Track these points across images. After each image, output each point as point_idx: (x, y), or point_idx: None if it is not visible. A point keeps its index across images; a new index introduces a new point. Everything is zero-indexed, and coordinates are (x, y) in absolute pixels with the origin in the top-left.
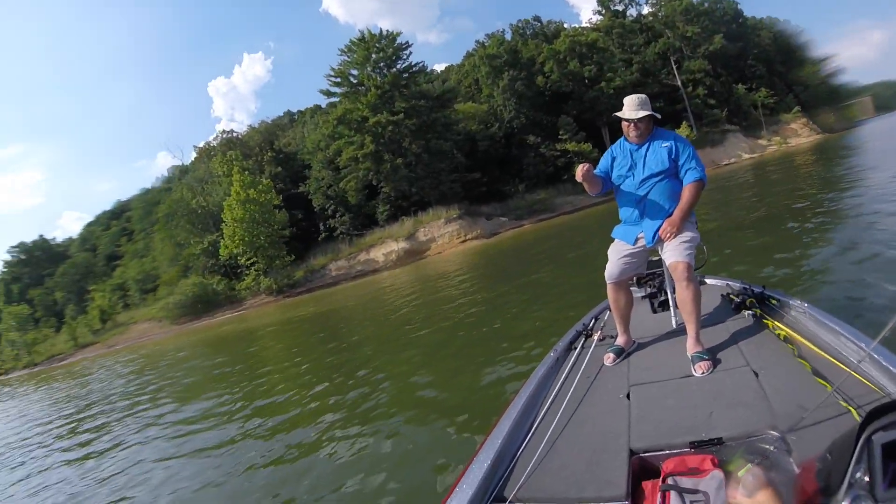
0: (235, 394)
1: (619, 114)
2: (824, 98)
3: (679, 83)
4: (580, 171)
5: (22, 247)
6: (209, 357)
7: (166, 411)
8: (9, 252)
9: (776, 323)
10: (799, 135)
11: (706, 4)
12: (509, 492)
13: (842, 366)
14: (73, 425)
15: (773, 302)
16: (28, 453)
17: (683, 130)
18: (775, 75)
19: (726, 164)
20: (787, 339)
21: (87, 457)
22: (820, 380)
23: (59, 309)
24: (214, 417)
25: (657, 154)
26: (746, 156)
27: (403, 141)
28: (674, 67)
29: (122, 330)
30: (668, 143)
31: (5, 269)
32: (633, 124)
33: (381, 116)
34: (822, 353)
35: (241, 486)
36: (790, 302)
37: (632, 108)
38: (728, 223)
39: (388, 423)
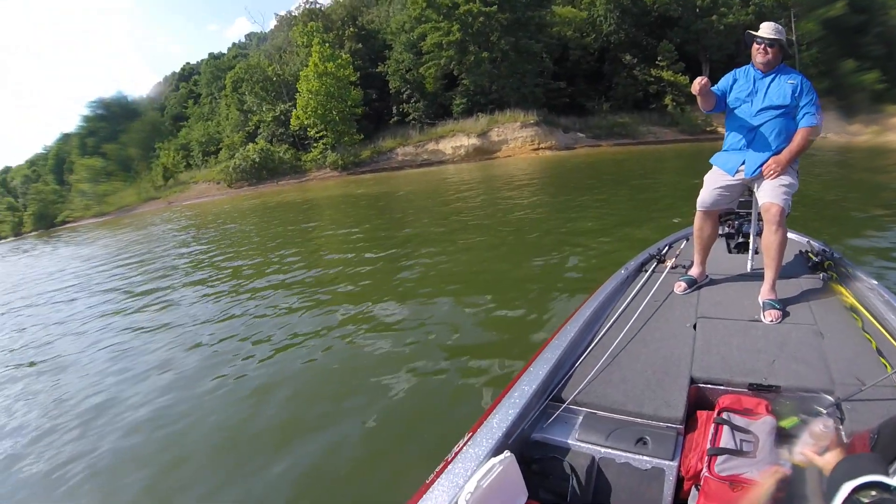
0: (293, 263)
1: (752, 32)
2: None
3: (794, 38)
4: (698, 83)
5: (100, 102)
6: (270, 221)
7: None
8: (87, 106)
9: (845, 291)
10: None
11: None
12: (568, 394)
13: None
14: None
15: (845, 270)
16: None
17: None
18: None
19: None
20: (853, 310)
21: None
22: (882, 359)
23: (132, 164)
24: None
25: (781, 87)
26: (833, 137)
27: (492, 35)
28: (793, 21)
29: (182, 188)
30: (794, 80)
31: (82, 124)
32: (763, 46)
33: (472, 5)
34: (887, 333)
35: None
36: (862, 275)
37: (767, 30)
38: (812, 188)
39: (438, 319)
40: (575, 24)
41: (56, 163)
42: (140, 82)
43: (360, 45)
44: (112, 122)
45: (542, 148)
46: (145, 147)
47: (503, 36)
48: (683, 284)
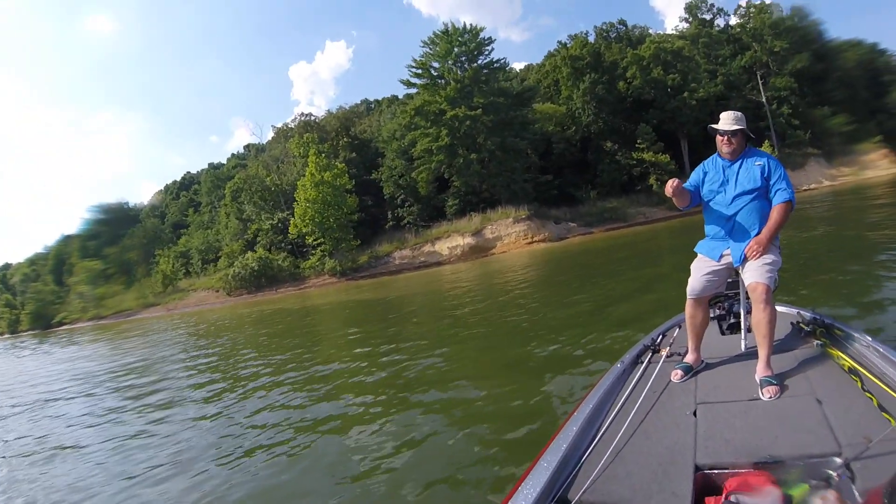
0: (295, 365)
1: (715, 126)
2: None
3: (764, 99)
4: (670, 185)
5: (101, 207)
6: (275, 330)
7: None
8: (89, 210)
9: (841, 354)
10: (877, 166)
11: (795, 20)
12: (573, 494)
13: None
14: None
15: (839, 332)
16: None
17: (765, 150)
18: (858, 101)
19: (805, 190)
20: (852, 371)
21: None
22: (886, 414)
23: (130, 268)
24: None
25: (750, 171)
26: (827, 182)
27: (479, 136)
28: (759, 83)
29: (181, 295)
30: (761, 162)
31: (85, 227)
32: (727, 138)
33: (458, 110)
34: (888, 388)
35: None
36: (856, 335)
37: (728, 121)
38: (804, 249)
39: (445, 419)
40: (556, 118)
41: (56, 263)
42: (141, 191)
43: (354, 154)
44: (113, 226)
45: (535, 241)
46: (145, 253)
47: (489, 137)
48: (680, 372)
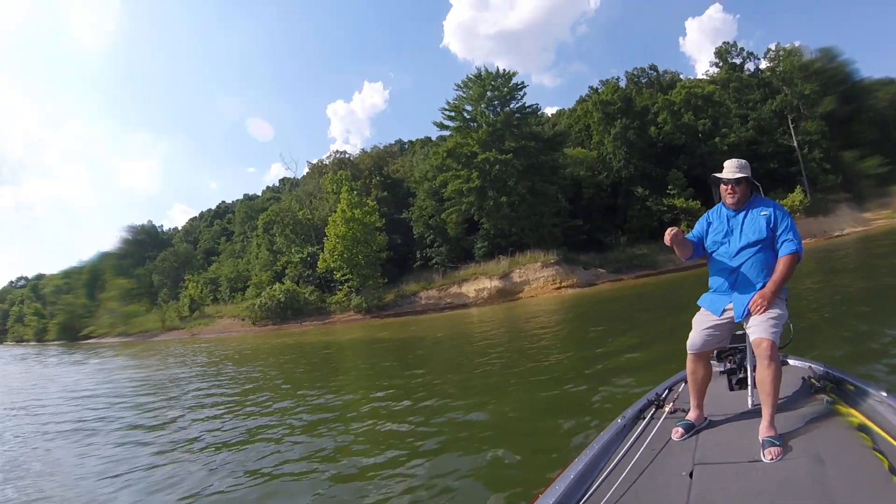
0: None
1: (718, 174)
2: None
3: (795, 144)
4: (669, 235)
5: (130, 228)
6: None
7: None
8: (125, 230)
9: (853, 411)
10: None
11: (824, 62)
12: None
13: None
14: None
15: (851, 388)
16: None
17: (797, 195)
18: (890, 141)
19: (836, 236)
20: (863, 429)
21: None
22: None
23: (154, 290)
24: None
25: (755, 222)
26: (858, 228)
27: (509, 180)
28: (791, 127)
29: (206, 322)
30: (767, 212)
31: (121, 246)
32: (730, 187)
33: (490, 154)
34: None
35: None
36: (870, 390)
37: (731, 169)
38: (829, 300)
39: (445, 465)
40: (586, 163)
41: (90, 278)
42: (174, 213)
43: (385, 193)
44: (141, 248)
45: (563, 286)
46: (172, 277)
47: (520, 181)
48: (681, 430)
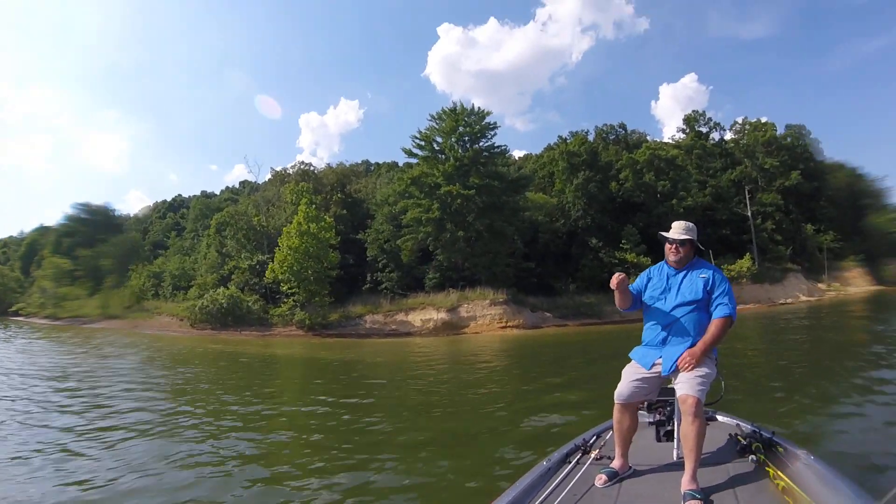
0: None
1: (664, 233)
2: None
3: (749, 214)
4: (616, 279)
5: (87, 206)
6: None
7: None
8: (73, 207)
9: (778, 472)
10: (858, 283)
11: (789, 139)
12: None
13: None
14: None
15: (780, 450)
16: None
17: (745, 262)
18: (845, 219)
19: (782, 303)
20: (786, 492)
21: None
22: None
23: (100, 275)
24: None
25: (693, 282)
26: (804, 297)
27: (469, 215)
28: (747, 197)
29: (146, 316)
30: (706, 274)
31: (63, 222)
32: (675, 246)
33: (453, 187)
34: None
35: None
36: (797, 452)
37: (677, 230)
38: (765, 361)
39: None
40: (546, 209)
41: (27, 251)
42: (130, 198)
43: (344, 211)
44: (93, 228)
45: (509, 326)
46: (120, 264)
47: (479, 217)
48: (604, 477)
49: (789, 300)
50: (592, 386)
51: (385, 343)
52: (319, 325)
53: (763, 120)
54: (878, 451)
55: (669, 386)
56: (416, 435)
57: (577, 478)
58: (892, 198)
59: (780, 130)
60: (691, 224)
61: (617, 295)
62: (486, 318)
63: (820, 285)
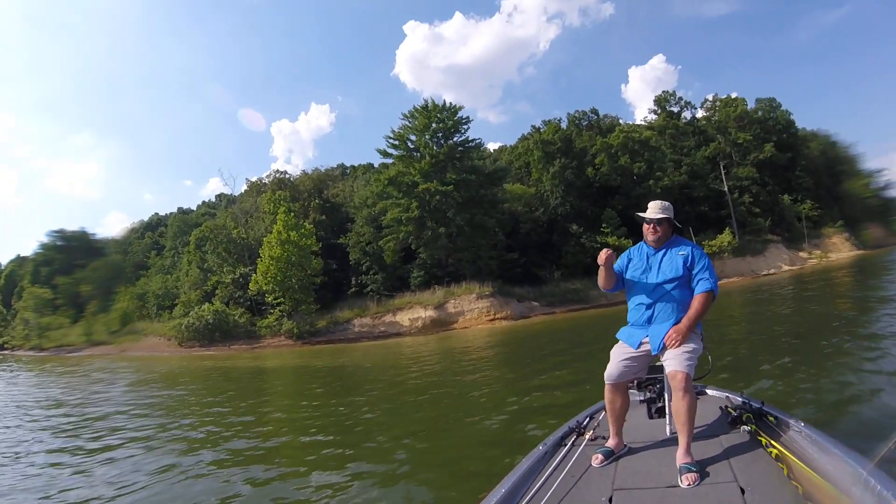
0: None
1: (641, 214)
2: (873, 212)
3: (726, 189)
4: (604, 254)
5: (62, 233)
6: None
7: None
8: (47, 235)
9: (771, 441)
10: (839, 249)
11: (760, 113)
12: None
13: (834, 489)
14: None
15: (771, 419)
16: None
17: (726, 237)
18: (822, 188)
19: (765, 275)
20: (779, 459)
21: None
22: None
23: (81, 301)
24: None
25: (673, 260)
26: (786, 267)
27: (448, 211)
28: (722, 173)
29: (135, 338)
30: (685, 251)
31: (39, 251)
32: (652, 226)
33: (431, 184)
34: (816, 475)
35: None
36: (787, 420)
37: (654, 210)
38: (751, 332)
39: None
40: (524, 199)
41: (6, 283)
42: (110, 221)
43: (323, 217)
44: (70, 255)
45: (497, 318)
46: (103, 288)
47: (459, 212)
48: (601, 457)
49: (772, 271)
50: (582, 369)
51: (375, 346)
52: (308, 332)
53: (733, 96)
54: (866, 417)
55: (657, 363)
56: (412, 428)
57: (573, 459)
58: (866, 163)
59: (751, 105)
60: (667, 203)
61: (602, 273)
62: (474, 312)
63: (801, 254)
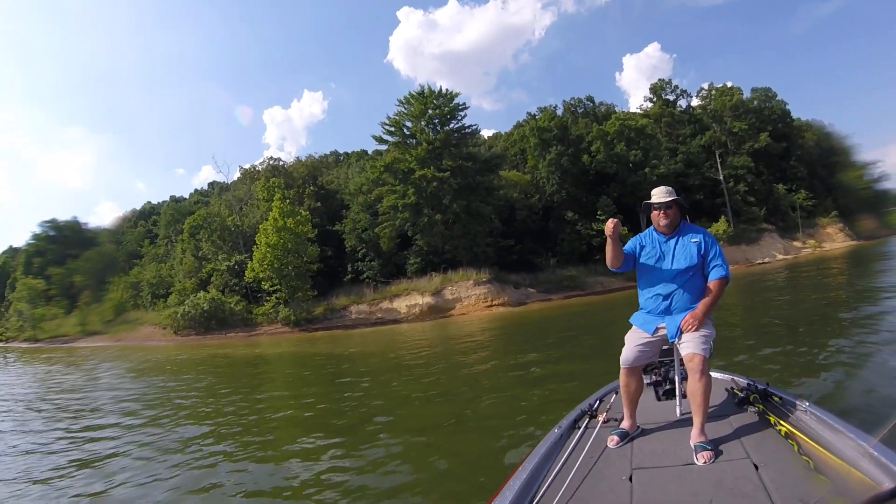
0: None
1: (649, 201)
2: (866, 203)
3: (721, 177)
4: (611, 223)
5: (54, 223)
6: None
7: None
8: (39, 226)
9: (778, 420)
10: (834, 239)
11: (756, 102)
12: None
13: (843, 463)
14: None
15: (776, 399)
16: None
17: (721, 225)
18: (816, 178)
19: (759, 263)
20: (788, 436)
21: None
22: (821, 476)
23: (74, 292)
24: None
25: (687, 248)
26: (780, 256)
27: (445, 198)
28: (717, 161)
29: (130, 327)
30: (697, 238)
31: (32, 242)
32: (662, 211)
33: (427, 171)
34: (823, 450)
35: None
36: (793, 400)
37: (660, 194)
38: (749, 319)
39: (384, 482)
40: (520, 186)
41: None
42: (102, 210)
43: (318, 204)
44: (62, 245)
45: (494, 305)
46: (96, 278)
47: (455, 199)
48: (616, 438)
49: (767, 259)
50: (585, 353)
51: (372, 332)
52: (305, 320)
53: (729, 85)
54: (869, 397)
55: (665, 348)
56: (418, 421)
57: (590, 441)
58: (860, 155)
59: (747, 94)
60: (671, 188)
61: (610, 246)
62: (472, 298)
63: (796, 243)
